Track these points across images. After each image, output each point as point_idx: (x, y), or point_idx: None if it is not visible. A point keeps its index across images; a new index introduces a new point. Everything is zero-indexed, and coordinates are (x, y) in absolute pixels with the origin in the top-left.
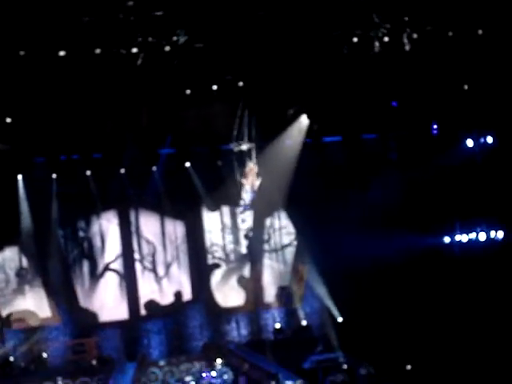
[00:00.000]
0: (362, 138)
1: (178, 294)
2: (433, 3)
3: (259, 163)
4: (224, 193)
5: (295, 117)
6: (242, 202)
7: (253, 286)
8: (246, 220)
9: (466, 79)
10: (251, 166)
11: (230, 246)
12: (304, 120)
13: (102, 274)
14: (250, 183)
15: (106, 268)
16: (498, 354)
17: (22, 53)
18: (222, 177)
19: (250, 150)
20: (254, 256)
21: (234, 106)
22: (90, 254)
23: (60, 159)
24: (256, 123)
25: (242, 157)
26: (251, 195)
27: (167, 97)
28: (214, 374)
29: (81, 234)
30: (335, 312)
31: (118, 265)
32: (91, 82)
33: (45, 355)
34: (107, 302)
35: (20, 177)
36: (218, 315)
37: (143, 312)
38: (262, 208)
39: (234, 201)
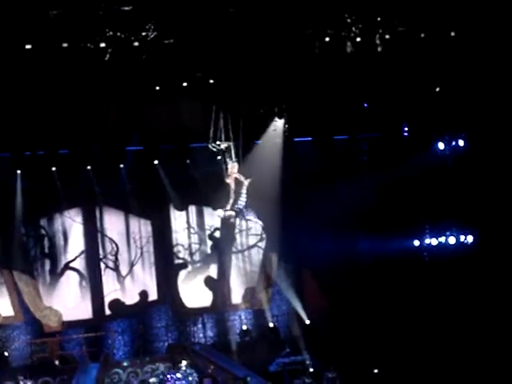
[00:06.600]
0: (333, 138)
1: (144, 294)
2: (405, 4)
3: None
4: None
5: (268, 116)
6: (235, 206)
7: (220, 287)
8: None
9: (438, 81)
10: (232, 165)
11: (194, 246)
12: (278, 120)
13: (61, 273)
14: (234, 183)
15: (66, 267)
16: (466, 357)
17: None
18: (191, 175)
19: (228, 149)
20: (220, 256)
21: (204, 103)
22: (50, 252)
23: (25, 155)
24: (231, 122)
25: (222, 156)
26: (244, 197)
27: (136, 93)
28: (178, 375)
29: (42, 231)
30: (303, 314)
31: (78, 264)
32: (58, 76)
33: (6, 354)
34: (68, 301)
35: None
36: (184, 316)
37: (108, 312)
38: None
39: (203, 200)
